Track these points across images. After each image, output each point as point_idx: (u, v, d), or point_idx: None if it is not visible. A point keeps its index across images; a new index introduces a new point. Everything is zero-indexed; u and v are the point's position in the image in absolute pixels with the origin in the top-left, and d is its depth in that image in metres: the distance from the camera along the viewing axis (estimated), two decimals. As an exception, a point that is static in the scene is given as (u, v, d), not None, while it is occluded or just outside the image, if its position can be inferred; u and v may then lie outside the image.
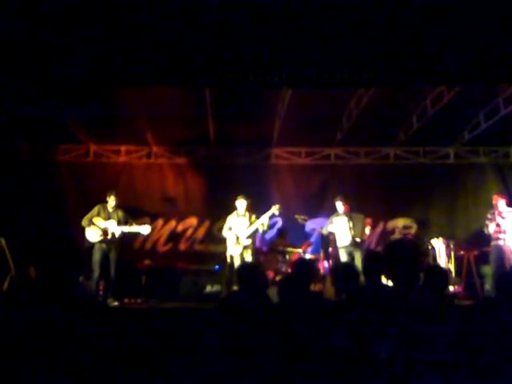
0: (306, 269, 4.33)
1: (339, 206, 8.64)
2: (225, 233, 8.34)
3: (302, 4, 5.28)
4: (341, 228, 8.52)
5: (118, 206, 8.42)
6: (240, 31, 5.64)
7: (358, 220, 8.52)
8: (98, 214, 8.27)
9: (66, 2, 5.22)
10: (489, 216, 8.46)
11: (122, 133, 9.92)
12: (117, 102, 8.21)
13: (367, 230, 8.67)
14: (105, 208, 8.35)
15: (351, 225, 8.45)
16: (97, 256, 8.08)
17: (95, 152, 10.60)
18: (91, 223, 8.19)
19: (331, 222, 8.71)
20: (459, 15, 5.31)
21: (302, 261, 6.68)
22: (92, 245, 8.20)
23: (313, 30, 5.68)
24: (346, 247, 8.45)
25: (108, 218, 8.24)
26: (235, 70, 5.89)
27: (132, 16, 5.36)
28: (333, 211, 8.84)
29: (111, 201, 8.35)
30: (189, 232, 10.54)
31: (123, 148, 10.65)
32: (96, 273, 8.01)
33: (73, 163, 10.50)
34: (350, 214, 8.56)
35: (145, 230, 8.38)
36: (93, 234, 8.13)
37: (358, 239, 8.39)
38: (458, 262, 8.73)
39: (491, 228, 8.36)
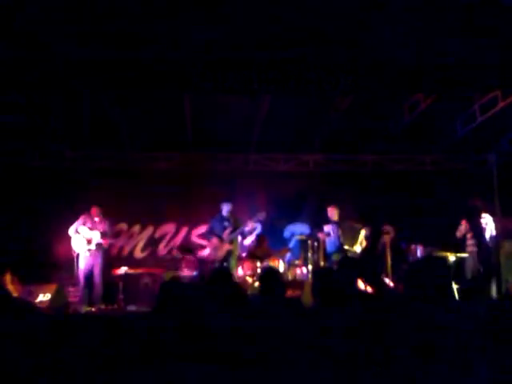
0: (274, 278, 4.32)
1: (331, 212, 8.67)
2: (208, 236, 8.32)
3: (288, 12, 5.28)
4: (331, 235, 8.56)
5: (103, 217, 8.49)
6: (219, 37, 5.65)
7: (350, 229, 8.53)
8: (84, 224, 8.33)
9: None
10: (462, 221, 8.61)
11: (98, 138, 9.83)
12: (93, 107, 8.14)
13: (362, 243, 8.63)
14: (91, 218, 8.43)
15: (340, 232, 8.47)
16: (81, 265, 8.22)
17: (70, 158, 10.47)
18: (77, 232, 8.28)
19: (322, 229, 8.72)
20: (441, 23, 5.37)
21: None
22: (78, 254, 8.30)
23: (291, 37, 5.71)
24: (335, 254, 8.45)
25: (93, 228, 8.31)
26: (214, 76, 5.89)
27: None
28: (311, 217, 8.87)
29: (94, 214, 8.42)
30: (167, 238, 10.48)
31: (100, 154, 10.53)
32: (82, 281, 8.11)
33: (48, 169, 10.36)
34: (342, 221, 8.59)
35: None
36: (78, 244, 8.23)
37: (347, 247, 8.40)
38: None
39: (460, 231, 8.52)
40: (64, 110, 8.37)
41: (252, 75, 5.97)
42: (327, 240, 8.62)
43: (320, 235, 8.73)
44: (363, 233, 8.61)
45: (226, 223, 8.28)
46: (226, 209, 8.37)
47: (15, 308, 2.74)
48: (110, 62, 5.70)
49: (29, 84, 6.01)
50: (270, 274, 4.54)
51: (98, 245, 8.27)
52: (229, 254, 8.14)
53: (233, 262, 8.20)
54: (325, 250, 8.73)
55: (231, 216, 8.37)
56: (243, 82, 5.98)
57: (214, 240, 8.18)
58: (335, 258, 8.43)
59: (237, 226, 8.25)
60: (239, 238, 8.50)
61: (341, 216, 8.71)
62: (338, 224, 8.54)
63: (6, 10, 4.96)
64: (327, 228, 8.65)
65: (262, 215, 8.33)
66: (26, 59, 5.60)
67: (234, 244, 8.38)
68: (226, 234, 8.17)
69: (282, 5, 5.27)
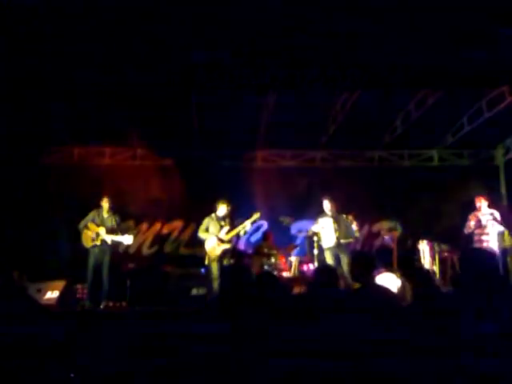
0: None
1: (326, 205, 8.54)
2: (202, 235, 8.25)
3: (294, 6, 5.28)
4: (326, 229, 8.44)
5: (114, 211, 8.45)
6: (227, 34, 5.65)
7: (344, 221, 8.42)
8: (93, 220, 8.33)
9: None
10: (470, 217, 8.54)
11: (107, 135, 9.85)
12: (102, 104, 8.16)
13: (355, 233, 8.55)
14: (99, 213, 8.41)
15: (336, 226, 8.35)
16: (90, 261, 8.26)
17: (80, 154, 10.52)
18: (85, 228, 8.29)
19: (317, 222, 8.60)
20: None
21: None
22: (86, 249, 8.32)
23: (299, 33, 5.70)
24: (330, 249, 8.36)
25: (101, 224, 8.29)
26: (220, 74, 5.90)
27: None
28: (318, 213, 8.83)
29: (104, 205, 8.38)
30: (174, 235, 10.50)
31: (108, 150, 10.57)
32: (89, 277, 8.17)
33: (57, 166, 10.41)
34: (336, 214, 8.47)
35: (127, 240, 8.40)
36: (87, 239, 8.24)
37: (342, 241, 8.28)
38: (442, 263, 8.78)
39: (469, 227, 8.46)
40: (72, 108, 8.39)
41: (259, 72, 5.97)
42: (322, 234, 8.51)
43: (313, 227, 8.64)
44: (352, 222, 8.46)
45: (223, 223, 8.21)
46: (222, 209, 8.26)
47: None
48: (114, 61, 5.70)
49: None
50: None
51: (104, 241, 8.25)
52: (225, 253, 8.09)
53: (226, 260, 8.14)
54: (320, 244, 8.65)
55: (227, 215, 8.29)
56: (250, 78, 5.98)
57: (212, 239, 8.11)
58: (330, 252, 8.31)
59: (234, 226, 8.18)
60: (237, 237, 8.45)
61: (337, 209, 8.59)
62: (334, 217, 8.41)
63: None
64: (321, 221, 8.53)
65: (257, 216, 8.29)
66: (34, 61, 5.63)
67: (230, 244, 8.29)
68: (223, 234, 8.12)
69: (288, 1, 5.27)
